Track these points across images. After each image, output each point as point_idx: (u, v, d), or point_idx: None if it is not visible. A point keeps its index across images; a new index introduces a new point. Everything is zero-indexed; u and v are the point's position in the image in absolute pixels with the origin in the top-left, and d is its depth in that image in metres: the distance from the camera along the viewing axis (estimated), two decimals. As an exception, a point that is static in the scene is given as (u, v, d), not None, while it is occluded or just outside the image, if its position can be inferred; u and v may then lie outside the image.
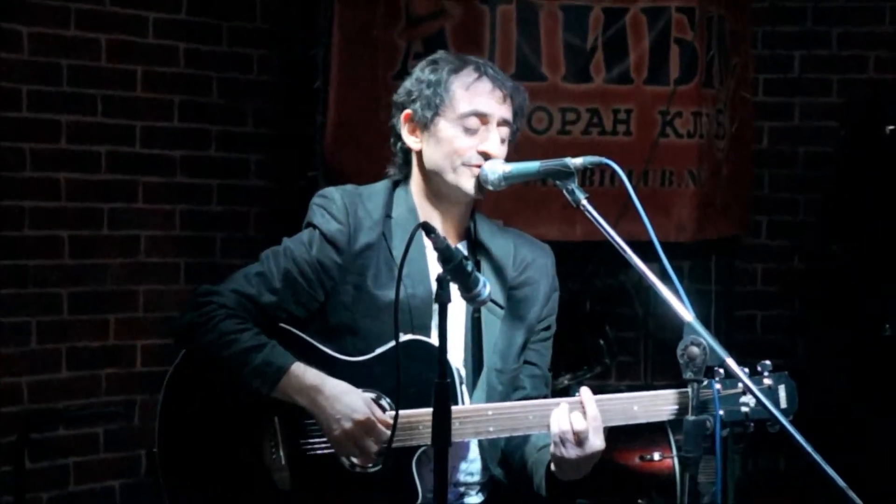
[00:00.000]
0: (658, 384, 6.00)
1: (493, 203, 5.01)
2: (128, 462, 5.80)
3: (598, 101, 5.52)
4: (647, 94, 5.55)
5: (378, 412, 3.20)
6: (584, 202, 3.09)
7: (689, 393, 2.87)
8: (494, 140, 3.32)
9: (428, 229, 2.97)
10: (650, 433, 4.92)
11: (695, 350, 2.83)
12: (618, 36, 5.52)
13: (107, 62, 5.70)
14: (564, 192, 3.13)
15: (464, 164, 3.31)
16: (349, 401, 3.19)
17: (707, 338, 2.83)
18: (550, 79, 5.49)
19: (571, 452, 3.11)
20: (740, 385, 3.03)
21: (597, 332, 5.69)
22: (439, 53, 3.48)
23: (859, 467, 3.47)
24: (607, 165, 3.13)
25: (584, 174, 3.22)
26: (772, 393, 3.06)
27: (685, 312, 2.89)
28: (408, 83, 3.43)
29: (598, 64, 5.52)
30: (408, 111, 3.41)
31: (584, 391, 3.15)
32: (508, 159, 3.35)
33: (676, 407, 3.15)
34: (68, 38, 5.59)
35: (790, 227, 6.55)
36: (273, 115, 6.21)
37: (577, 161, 3.13)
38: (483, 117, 3.32)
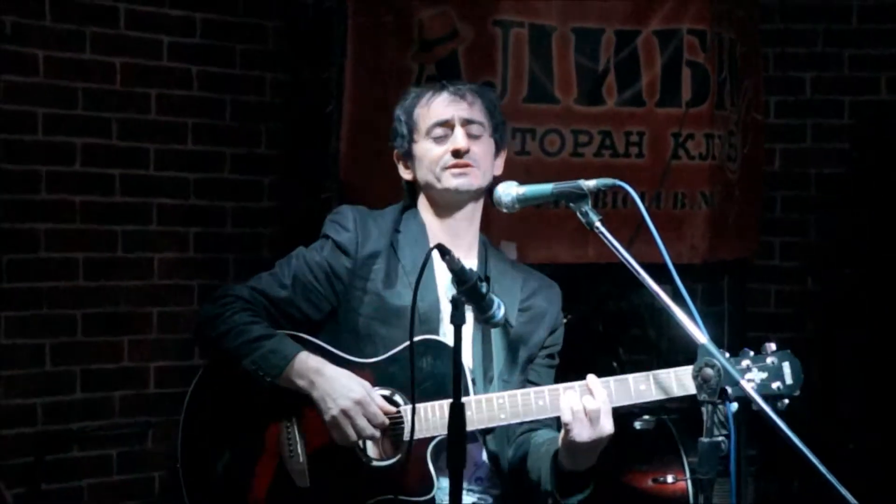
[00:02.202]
0: (671, 406, 6.00)
1: (505, 225, 5.04)
2: (141, 484, 5.81)
3: (610, 123, 5.54)
4: (659, 116, 5.57)
5: (377, 396, 3.30)
6: (599, 224, 3.10)
7: (704, 415, 2.88)
8: (459, 136, 3.46)
9: (443, 251, 3.04)
10: (663, 456, 4.92)
11: (709, 372, 2.84)
12: (630, 58, 5.54)
13: (121, 85, 5.73)
14: (578, 214, 3.14)
15: (443, 169, 3.46)
16: (347, 381, 3.29)
17: (721, 360, 2.84)
18: (563, 101, 5.51)
19: (584, 433, 3.16)
20: (744, 362, 3.08)
21: (609, 355, 5.69)
22: (410, 89, 3.67)
23: (874, 491, 3.47)
24: (620, 187, 3.15)
25: (597, 196, 3.23)
26: (776, 370, 3.09)
27: (699, 334, 2.90)
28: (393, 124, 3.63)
29: (611, 86, 5.54)
30: (395, 150, 3.61)
31: (591, 378, 3.23)
32: (515, 178, 3.38)
33: (679, 384, 3.23)
34: (83, 62, 5.62)
35: (803, 248, 6.54)
36: (286, 137, 6.23)
37: (591, 183, 3.14)
38: (445, 124, 3.48)
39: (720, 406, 2.91)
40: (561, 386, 3.27)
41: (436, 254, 3.07)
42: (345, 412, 3.26)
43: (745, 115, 5.96)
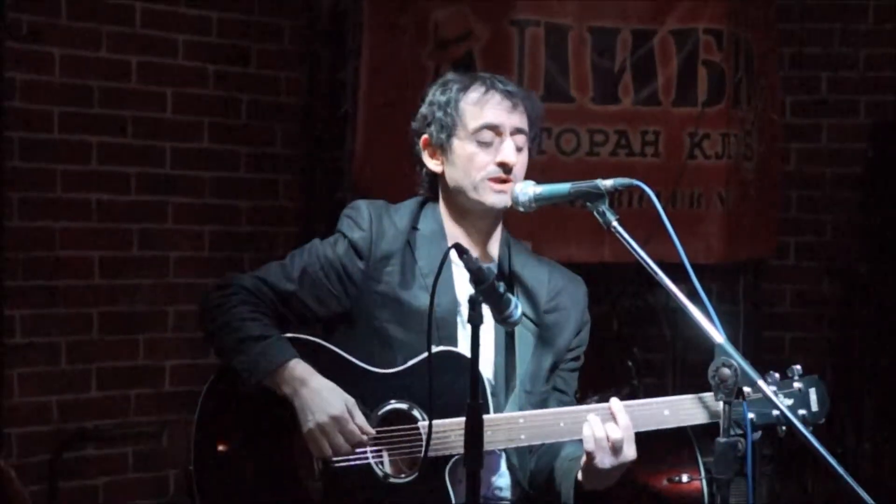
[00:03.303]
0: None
1: (521, 224, 5.03)
2: (157, 482, 5.82)
3: (626, 122, 5.53)
4: (675, 115, 5.56)
5: (357, 414, 3.20)
6: (615, 224, 3.10)
7: (721, 414, 2.87)
8: (509, 149, 3.33)
9: (460, 250, 2.98)
10: (678, 455, 4.91)
11: (726, 371, 2.83)
12: (646, 58, 5.53)
13: (137, 84, 5.74)
14: (595, 213, 3.13)
15: (484, 180, 3.34)
16: (329, 396, 3.20)
17: (738, 359, 2.83)
18: (578, 100, 5.51)
19: (606, 461, 3.13)
20: (770, 388, 3.03)
21: (624, 353, 5.68)
22: (449, 74, 3.50)
23: (891, 491, 3.46)
24: (637, 187, 3.13)
25: (613, 195, 3.21)
26: (802, 396, 3.07)
27: (716, 334, 2.90)
28: (423, 108, 3.46)
29: (627, 86, 5.53)
30: (425, 136, 3.44)
31: (614, 402, 3.17)
32: (531, 177, 3.36)
33: (706, 410, 3.17)
34: (99, 60, 5.63)
35: (818, 248, 6.53)
36: (301, 136, 6.23)
37: (608, 183, 3.13)
38: (495, 129, 3.34)
39: (736, 406, 2.91)
40: (583, 408, 3.23)
41: (454, 254, 3.02)
42: (321, 427, 3.17)
43: (762, 114, 5.95)
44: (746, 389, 2.99)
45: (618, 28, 5.51)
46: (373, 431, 3.22)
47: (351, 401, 3.21)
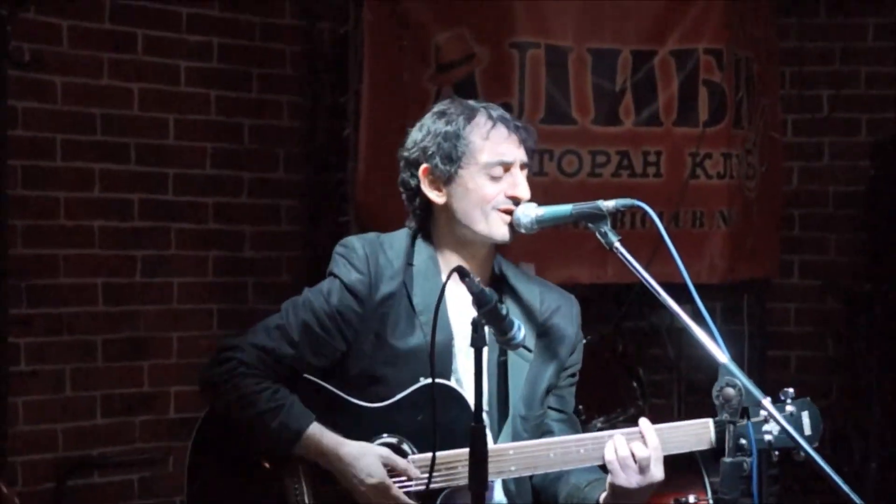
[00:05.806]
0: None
1: (524, 246, 5.04)
2: (162, 509, 5.83)
3: (627, 143, 5.54)
4: (676, 135, 5.57)
5: (397, 460, 3.20)
6: (618, 244, 3.09)
7: (726, 435, 2.87)
8: (523, 185, 3.32)
9: (463, 273, 2.97)
10: (685, 476, 4.90)
11: (730, 391, 2.83)
12: (646, 78, 5.54)
13: (139, 111, 5.76)
14: (597, 234, 3.13)
15: (494, 209, 3.31)
16: (364, 464, 3.19)
17: (742, 379, 2.82)
18: (580, 122, 5.51)
19: (633, 480, 3.11)
20: (762, 413, 2.99)
21: (629, 375, 5.68)
22: (444, 104, 3.45)
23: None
24: (639, 207, 3.13)
25: (615, 216, 3.20)
26: (795, 420, 3.03)
27: (720, 354, 2.89)
28: (419, 138, 3.40)
29: (628, 106, 5.54)
30: (426, 166, 3.37)
31: (644, 422, 3.17)
32: (532, 199, 3.35)
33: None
34: (101, 88, 5.65)
35: (822, 266, 6.53)
36: (304, 160, 6.24)
37: (610, 204, 3.13)
38: (507, 165, 3.32)
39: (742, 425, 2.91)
40: (572, 438, 3.24)
41: (451, 287, 3.01)
42: (372, 491, 3.18)
43: (763, 133, 5.96)
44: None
45: (618, 49, 5.52)
46: (418, 473, 3.21)
47: (384, 455, 3.21)
